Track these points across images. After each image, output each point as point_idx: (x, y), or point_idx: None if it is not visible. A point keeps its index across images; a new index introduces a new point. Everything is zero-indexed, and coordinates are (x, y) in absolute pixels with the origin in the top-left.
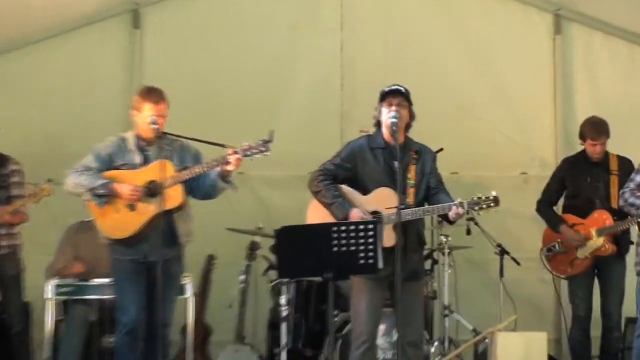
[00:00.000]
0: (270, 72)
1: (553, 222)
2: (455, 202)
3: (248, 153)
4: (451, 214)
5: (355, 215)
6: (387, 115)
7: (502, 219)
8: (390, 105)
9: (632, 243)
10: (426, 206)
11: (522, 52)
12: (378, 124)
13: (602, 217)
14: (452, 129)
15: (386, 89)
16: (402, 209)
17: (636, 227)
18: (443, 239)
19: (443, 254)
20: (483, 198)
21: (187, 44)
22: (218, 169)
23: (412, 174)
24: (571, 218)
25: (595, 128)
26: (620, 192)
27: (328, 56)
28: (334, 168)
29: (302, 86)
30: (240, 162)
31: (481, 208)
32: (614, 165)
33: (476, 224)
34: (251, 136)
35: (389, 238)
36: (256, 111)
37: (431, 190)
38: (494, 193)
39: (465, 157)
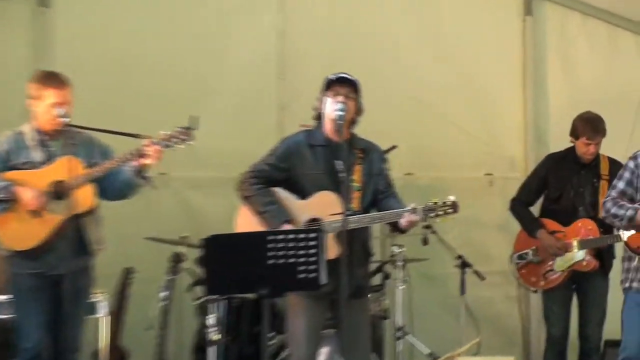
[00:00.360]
0: (197, 57)
1: (530, 224)
2: (408, 208)
3: (168, 143)
4: (403, 222)
5: (289, 226)
6: (333, 107)
7: (464, 227)
8: (336, 95)
9: (614, 258)
10: (374, 213)
11: (487, 36)
12: (319, 117)
13: (586, 228)
14: (408, 124)
15: (333, 77)
16: (348, 215)
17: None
18: (396, 249)
19: (396, 267)
20: (440, 203)
21: (103, 24)
22: (133, 163)
23: (357, 176)
24: (551, 224)
25: (592, 125)
26: (602, 201)
27: (264, 39)
28: (268, 169)
29: (234, 73)
30: (159, 154)
31: (438, 215)
32: (604, 168)
33: (434, 232)
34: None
35: (331, 249)
36: (181, 102)
37: (379, 194)
38: (451, 198)
39: (422, 156)
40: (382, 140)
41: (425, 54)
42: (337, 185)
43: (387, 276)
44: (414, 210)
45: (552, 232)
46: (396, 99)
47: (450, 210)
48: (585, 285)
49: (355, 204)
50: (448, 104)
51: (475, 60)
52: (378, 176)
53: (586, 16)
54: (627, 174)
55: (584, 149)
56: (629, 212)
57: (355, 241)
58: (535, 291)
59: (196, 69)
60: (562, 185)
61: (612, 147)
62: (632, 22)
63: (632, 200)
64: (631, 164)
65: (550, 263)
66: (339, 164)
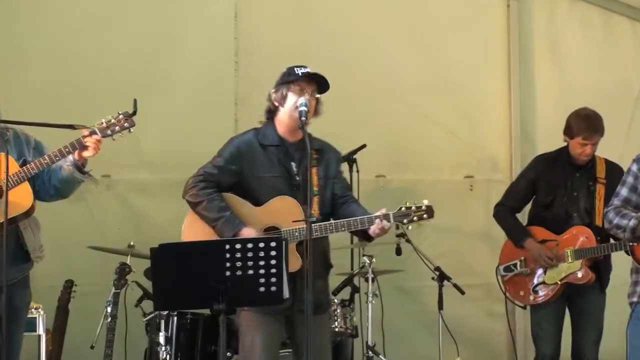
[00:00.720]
0: (143, 45)
1: (516, 233)
2: (378, 214)
3: (108, 132)
4: (374, 229)
5: (248, 233)
6: (297, 102)
7: (441, 235)
8: (302, 91)
9: (612, 271)
10: (341, 220)
11: (468, 24)
12: (272, 113)
13: (581, 236)
14: (379, 121)
15: (300, 71)
16: (313, 222)
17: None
18: (366, 260)
19: (366, 280)
20: (413, 208)
21: (45, 15)
22: (71, 157)
23: (314, 179)
24: (540, 232)
25: (590, 124)
26: (604, 211)
27: (219, 26)
28: (217, 172)
29: (184, 64)
30: (100, 144)
31: (411, 221)
32: (601, 171)
33: (408, 241)
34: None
35: (291, 261)
36: (126, 97)
37: (338, 199)
38: (426, 202)
39: (395, 156)
40: (351, 139)
41: (400, 45)
42: (293, 189)
43: (356, 290)
44: (385, 216)
45: (543, 241)
46: (367, 94)
47: (425, 216)
48: (580, 300)
49: (314, 210)
50: (425, 99)
51: (455, 51)
52: (334, 179)
53: (576, 0)
54: (630, 179)
55: (580, 150)
56: (632, 222)
57: (315, 251)
58: (525, 307)
59: (143, 60)
60: (554, 189)
61: (607, 147)
62: (629, 6)
63: (637, 208)
64: (635, 168)
65: (541, 275)
66: (293, 166)
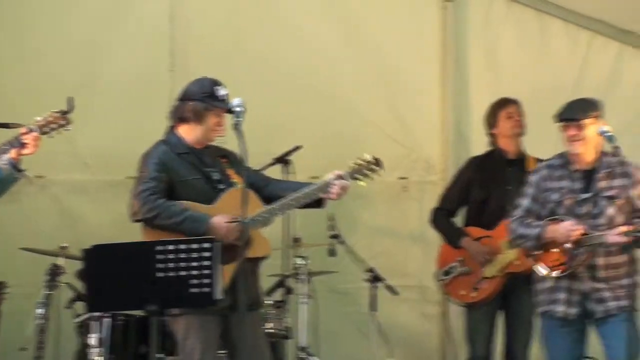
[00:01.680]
0: (78, 45)
1: (452, 235)
2: (333, 176)
3: (46, 129)
4: (336, 191)
5: (219, 221)
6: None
7: (375, 236)
8: (220, 116)
9: None
10: (296, 193)
11: (403, 24)
12: (182, 119)
13: None
14: (314, 122)
15: (220, 94)
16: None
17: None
18: (299, 261)
19: (299, 281)
20: (363, 163)
21: None
22: (7, 155)
23: (236, 178)
24: (475, 231)
25: (504, 99)
26: (507, 223)
27: (154, 25)
28: (156, 183)
29: (120, 64)
30: (38, 141)
31: (365, 174)
32: (532, 165)
33: (342, 242)
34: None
35: (260, 246)
36: (61, 96)
37: (258, 182)
38: (368, 155)
39: (330, 158)
40: (286, 140)
41: (334, 45)
42: (215, 190)
43: (289, 291)
44: (341, 176)
45: (478, 239)
46: (302, 94)
47: (375, 168)
48: (514, 301)
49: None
50: (360, 100)
51: (390, 52)
52: (245, 169)
53: (511, 2)
54: (530, 190)
55: (510, 123)
56: (536, 231)
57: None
58: (466, 305)
59: (79, 63)
60: (488, 186)
61: (541, 149)
62: (562, 9)
63: (539, 218)
64: (534, 178)
65: (481, 271)
66: (211, 170)
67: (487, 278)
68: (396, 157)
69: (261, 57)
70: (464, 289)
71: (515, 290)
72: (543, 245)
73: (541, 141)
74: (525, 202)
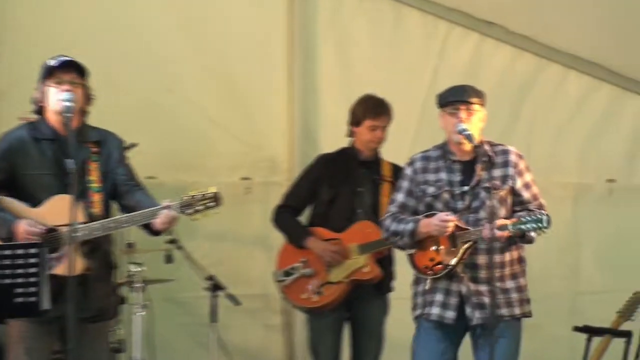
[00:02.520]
0: None
1: (296, 234)
2: (161, 206)
3: None
4: (160, 222)
5: (22, 229)
6: (58, 97)
7: (216, 241)
8: (60, 83)
9: (393, 279)
10: (121, 216)
11: (248, 18)
12: (40, 111)
13: (365, 230)
14: (154, 119)
15: (53, 62)
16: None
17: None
18: (133, 268)
19: (133, 289)
20: (198, 197)
21: None
22: None
23: (94, 175)
24: (322, 232)
25: (376, 104)
26: (380, 220)
27: None
28: None
29: None
30: None
31: (197, 210)
32: (387, 170)
33: (180, 248)
34: None
35: (67, 263)
36: None
37: (120, 187)
38: (212, 189)
39: (170, 157)
40: (123, 136)
41: (177, 38)
42: (66, 188)
43: (122, 301)
44: (167, 208)
45: (326, 241)
46: (140, 90)
47: (211, 204)
48: (361, 309)
49: (97, 208)
50: (202, 96)
51: (235, 47)
52: (117, 169)
53: None
54: (405, 183)
55: (369, 136)
56: (409, 226)
57: (95, 252)
58: (308, 311)
59: None
60: (336, 185)
61: (395, 146)
62: None
63: (415, 213)
64: (408, 171)
65: (326, 275)
66: (71, 163)
67: (331, 283)
68: (239, 157)
69: (96, 52)
70: (305, 292)
71: (363, 299)
72: (419, 242)
73: (394, 142)
74: (399, 196)
